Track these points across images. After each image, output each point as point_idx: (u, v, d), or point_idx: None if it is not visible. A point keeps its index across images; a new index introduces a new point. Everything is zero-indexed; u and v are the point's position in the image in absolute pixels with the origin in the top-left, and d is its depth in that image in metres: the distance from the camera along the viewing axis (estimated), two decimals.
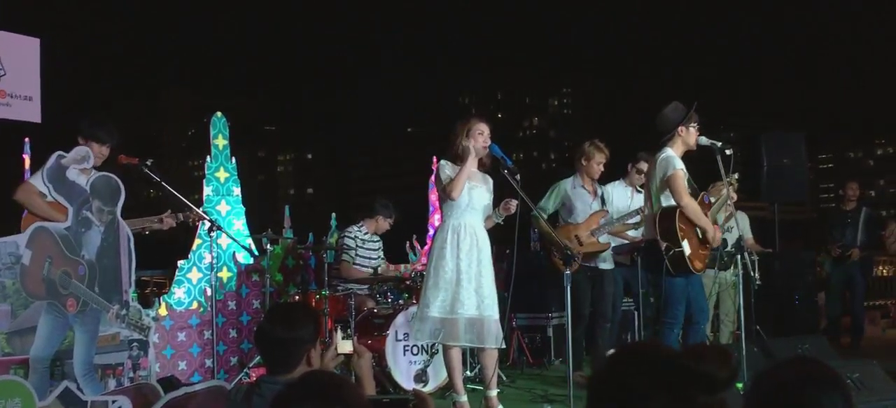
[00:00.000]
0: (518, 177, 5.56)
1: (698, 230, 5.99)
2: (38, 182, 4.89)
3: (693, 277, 6.08)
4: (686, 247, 5.88)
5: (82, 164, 4.49)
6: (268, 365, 3.30)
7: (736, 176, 6.32)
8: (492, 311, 5.53)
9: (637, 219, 7.14)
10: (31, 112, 4.44)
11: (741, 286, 6.36)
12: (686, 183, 5.96)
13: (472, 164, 5.50)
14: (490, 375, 5.58)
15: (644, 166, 7.40)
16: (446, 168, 5.61)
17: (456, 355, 5.60)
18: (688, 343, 6.17)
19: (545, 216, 7.05)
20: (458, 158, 5.59)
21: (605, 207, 7.15)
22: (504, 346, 5.86)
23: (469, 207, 5.58)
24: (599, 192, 7.21)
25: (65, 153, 4.50)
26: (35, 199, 4.73)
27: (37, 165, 5.77)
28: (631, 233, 7.34)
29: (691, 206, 5.93)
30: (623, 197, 7.51)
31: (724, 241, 7.56)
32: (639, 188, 7.40)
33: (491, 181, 5.74)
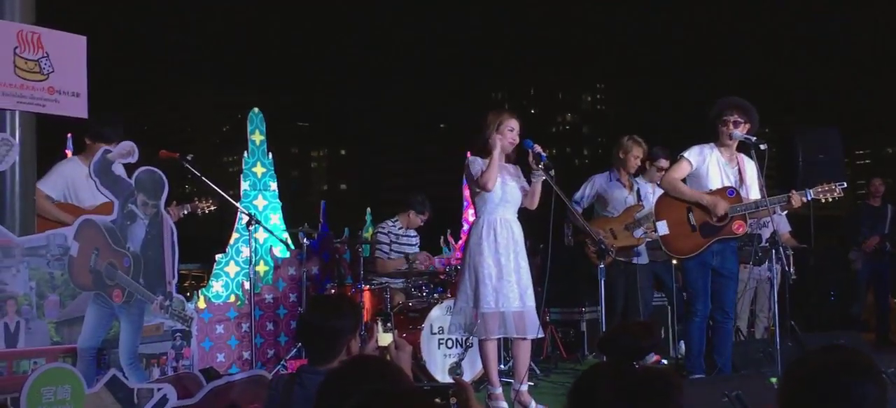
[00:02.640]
0: (553, 172, 5.58)
1: (696, 216, 5.97)
2: (46, 186, 5.19)
3: (722, 274, 6.06)
4: (660, 227, 6.01)
5: (127, 158, 4.62)
6: (309, 355, 3.36)
7: (842, 186, 6.08)
8: (531, 301, 5.58)
9: None
10: (78, 108, 4.56)
11: (776, 281, 6.34)
12: (683, 170, 6.05)
13: (499, 155, 5.50)
14: (523, 368, 5.61)
15: (664, 163, 7.40)
16: (476, 162, 5.61)
17: (492, 348, 5.63)
18: (713, 341, 6.19)
19: (580, 210, 7.09)
20: (486, 151, 5.59)
21: (641, 201, 7.15)
22: (542, 335, 5.88)
23: (502, 200, 5.59)
24: (636, 186, 7.22)
25: (110, 149, 4.63)
26: (43, 202, 4.92)
27: None
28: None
29: (668, 184, 6.07)
30: (645, 194, 7.48)
31: (759, 236, 7.56)
32: (658, 184, 7.39)
33: (520, 173, 5.73)
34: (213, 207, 6.86)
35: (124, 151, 4.59)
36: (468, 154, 5.79)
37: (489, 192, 5.51)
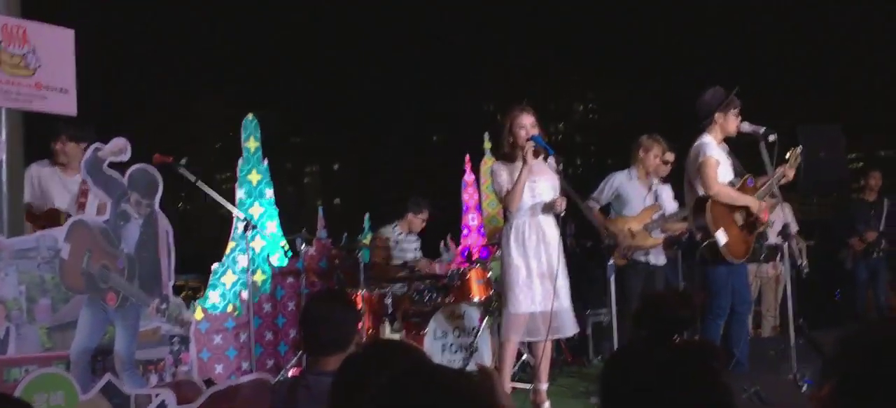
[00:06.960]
0: (560, 167, 5.44)
1: (739, 216, 5.81)
2: None
3: (737, 267, 5.92)
4: (720, 237, 5.69)
5: (119, 156, 4.44)
6: (314, 348, 3.20)
7: (798, 149, 6.07)
8: (566, 300, 5.48)
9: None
10: (66, 105, 4.37)
11: (789, 276, 6.16)
12: (718, 170, 5.78)
13: (526, 173, 5.36)
14: (545, 366, 5.52)
15: (669, 156, 7.18)
16: (501, 173, 5.49)
17: (511, 350, 5.53)
18: (729, 333, 6.03)
19: (597, 207, 6.89)
20: (507, 157, 5.50)
21: (658, 202, 6.93)
22: (577, 329, 5.76)
23: (532, 203, 5.47)
24: (653, 187, 6.98)
25: (101, 145, 4.44)
26: None
27: None
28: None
29: (723, 191, 5.76)
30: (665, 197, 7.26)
31: (765, 234, 7.39)
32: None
33: (552, 167, 5.55)
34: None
35: (116, 149, 4.41)
36: (466, 158, 5.65)
37: (512, 211, 5.43)
